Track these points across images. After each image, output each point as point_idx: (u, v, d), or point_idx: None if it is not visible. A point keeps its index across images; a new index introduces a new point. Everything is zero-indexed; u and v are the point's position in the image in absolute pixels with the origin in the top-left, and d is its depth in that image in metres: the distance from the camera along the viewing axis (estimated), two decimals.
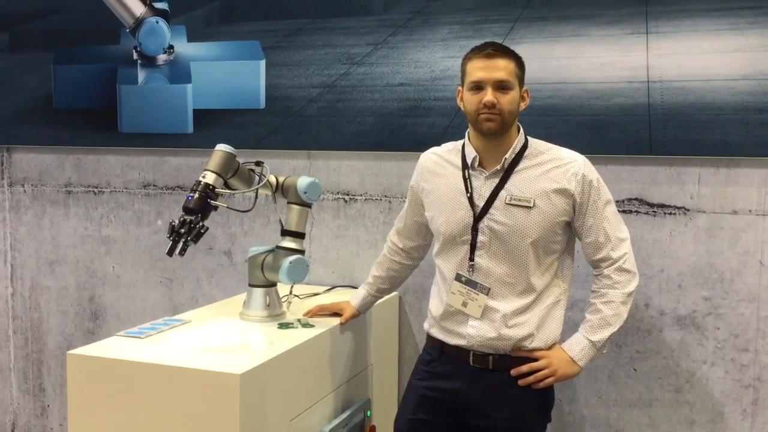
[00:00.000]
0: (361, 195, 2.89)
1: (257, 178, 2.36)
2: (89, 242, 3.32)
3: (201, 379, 1.86)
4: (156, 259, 3.20)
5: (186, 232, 2.12)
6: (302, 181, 2.38)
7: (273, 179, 2.41)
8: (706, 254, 2.50)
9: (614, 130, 2.51)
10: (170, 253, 2.12)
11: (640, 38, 2.49)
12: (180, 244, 2.12)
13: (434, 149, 2.21)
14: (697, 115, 2.43)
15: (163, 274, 3.20)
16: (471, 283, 2.05)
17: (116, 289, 3.28)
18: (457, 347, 2.09)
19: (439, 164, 2.16)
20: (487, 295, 2.04)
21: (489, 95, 1.97)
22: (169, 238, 2.13)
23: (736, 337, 2.49)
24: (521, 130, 2.09)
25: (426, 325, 2.20)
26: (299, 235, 2.38)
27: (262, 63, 2.95)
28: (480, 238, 2.04)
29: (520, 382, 2.04)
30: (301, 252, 2.35)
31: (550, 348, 2.06)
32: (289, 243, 2.35)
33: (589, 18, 2.55)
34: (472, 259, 2.06)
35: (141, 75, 3.14)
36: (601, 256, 2.06)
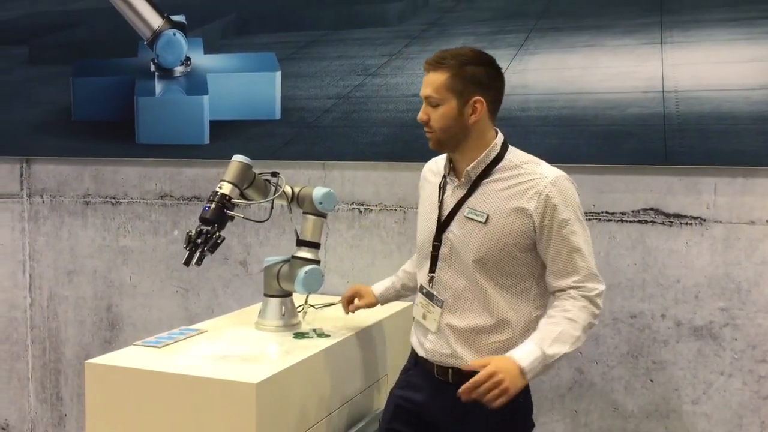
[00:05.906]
0: (375, 205, 2.90)
1: (273, 188, 2.38)
2: (107, 252, 3.34)
3: (217, 389, 1.87)
4: (172, 269, 3.23)
5: (202, 243, 2.13)
6: (317, 192, 2.40)
7: (288, 189, 2.42)
8: (722, 264, 2.48)
9: (629, 140, 2.50)
10: (187, 263, 2.14)
11: (654, 48, 2.49)
12: (197, 255, 2.13)
13: (437, 157, 2.10)
14: (713, 124, 2.43)
15: (180, 284, 3.22)
16: (430, 296, 1.96)
17: (133, 298, 3.31)
18: (424, 358, 2.01)
19: (432, 171, 2.08)
20: (441, 308, 1.93)
21: (421, 112, 1.93)
22: (185, 248, 2.15)
23: (753, 348, 2.47)
24: (498, 140, 1.92)
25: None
26: (315, 245, 2.39)
27: (278, 74, 2.97)
28: (442, 250, 1.94)
29: (464, 398, 1.72)
30: (317, 262, 2.36)
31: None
32: (304, 253, 2.36)
33: (604, 28, 2.55)
34: (433, 270, 1.97)
35: (158, 87, 3.17)
36: (565, 284, 1.84)
